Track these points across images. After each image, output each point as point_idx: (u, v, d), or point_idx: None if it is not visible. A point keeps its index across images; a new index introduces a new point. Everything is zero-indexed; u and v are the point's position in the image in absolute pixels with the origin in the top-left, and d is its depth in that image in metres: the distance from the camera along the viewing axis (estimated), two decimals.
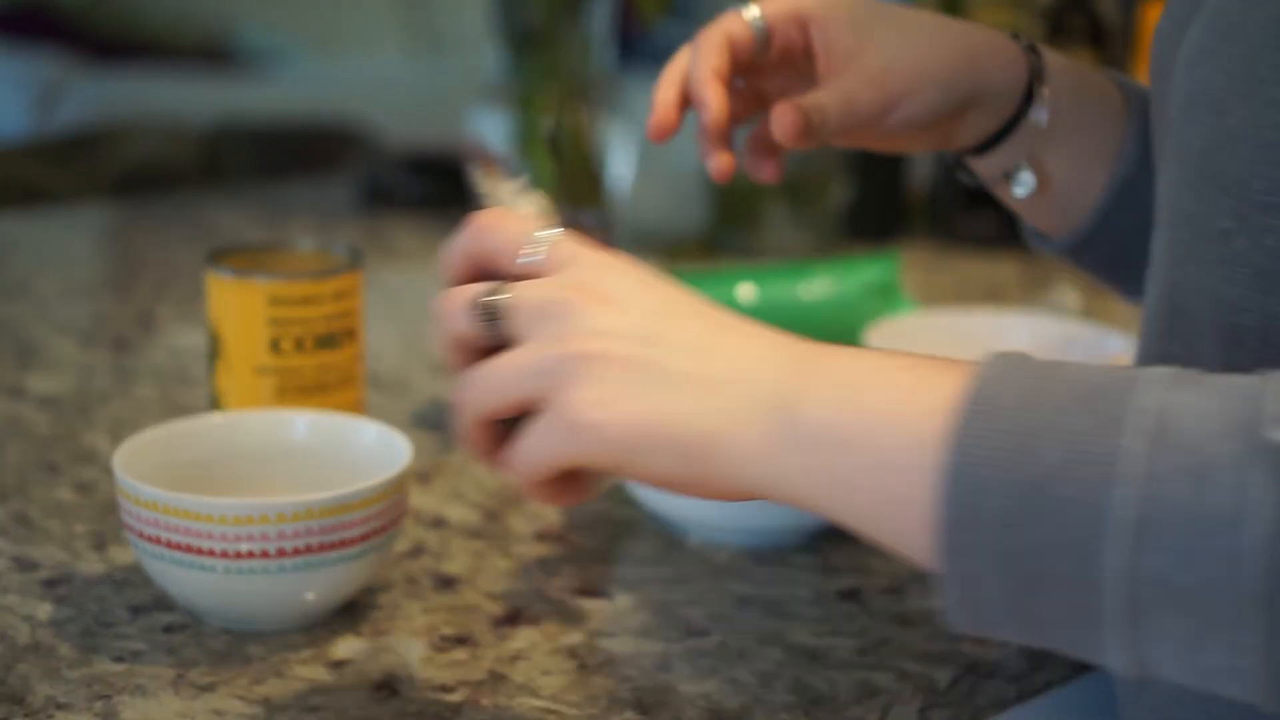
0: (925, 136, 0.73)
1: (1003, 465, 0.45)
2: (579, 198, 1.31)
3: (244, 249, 0.86)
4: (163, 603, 0.70)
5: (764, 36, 0.70)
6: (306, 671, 0.65)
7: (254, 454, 0.75)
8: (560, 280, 0.53)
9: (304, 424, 0.76)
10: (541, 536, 0.79)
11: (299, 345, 0.82)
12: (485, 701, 0.63)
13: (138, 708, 0.62)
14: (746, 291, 1.03)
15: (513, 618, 0.70)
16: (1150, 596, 0.43)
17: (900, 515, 0.48)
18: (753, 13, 0.70)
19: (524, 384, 0.52)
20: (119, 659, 0.66)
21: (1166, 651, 0.44)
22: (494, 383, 0.53)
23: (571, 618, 0.71)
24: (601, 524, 0.81)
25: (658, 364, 0.51)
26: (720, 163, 0.70)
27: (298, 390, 0.82)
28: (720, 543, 0.78)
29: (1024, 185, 0.73)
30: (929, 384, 0.48)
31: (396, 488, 0.68)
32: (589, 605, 0.72)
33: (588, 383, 0.51)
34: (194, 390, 0.99)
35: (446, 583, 0.74)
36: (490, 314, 0.54)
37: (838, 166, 1.34)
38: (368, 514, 0.67)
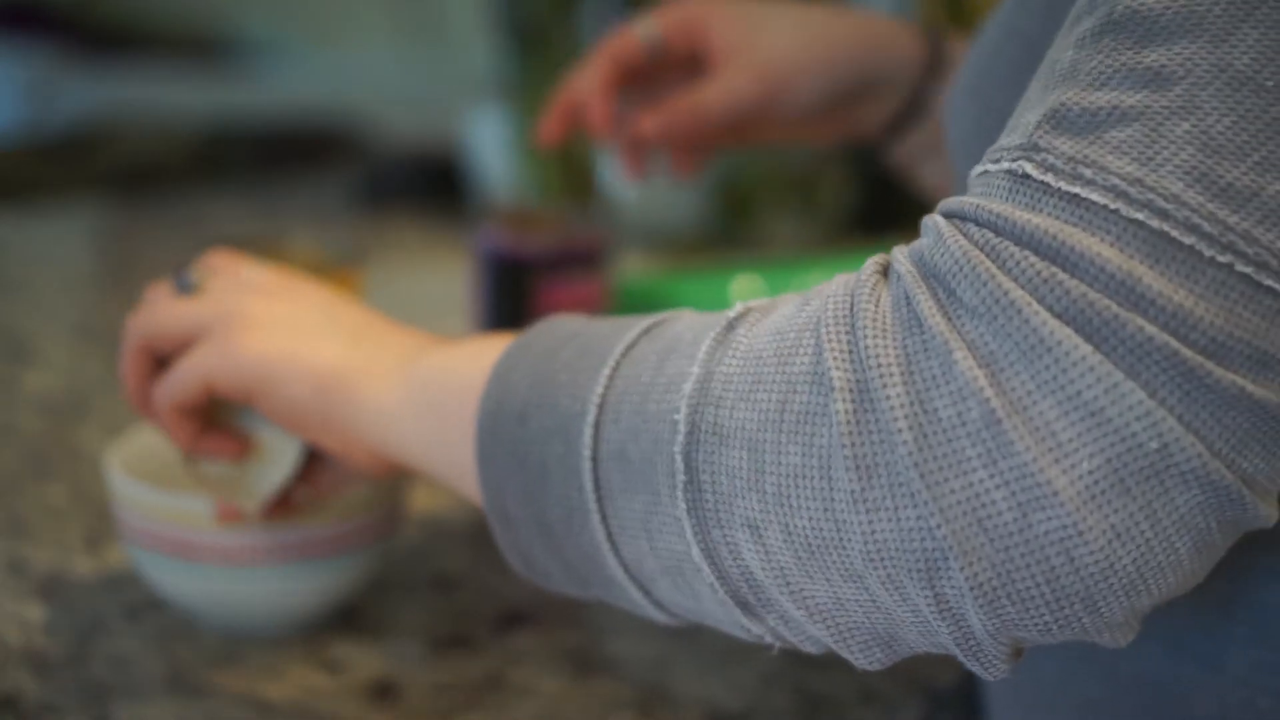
0: (827, 126, 0.75)
1: (527, 371, 0.50)
2: (577, 197, 1.30)
3: (239, 245, 0.85)
4: (157, 604, 0.70)
5: (658, 46, 0.74)
6: (303, 674, 0.65)
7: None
8: (236, 280, 0.61)
9: None
10: None
11: None
12: (483, 703, 0.63)
13: (132, 711, 0.61)
14: (749, 285, 1.02)
15: (511, 619, 0.70)
16: (609, 475, 0.46)
17: (464, 458, 0.52)
18: (645, 26, 0.74)
19: (186, 321, 0.59)
20: (113, 661, 0.65)
21: (640, 544, 0.46)
22: (162, 314, 0.60)
23: (571, 619, 0.70)
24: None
25: (314, 323, 0.58)
26: (627, 172, 0.78)
27: None
28: None
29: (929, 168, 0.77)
30: (496, 345, 0.53)
31: (395, 489, 0.68)
32: (588, 606, 0.72)
33: (247, 324, 0.58)
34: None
35: (445, 584, 0.73)
36: (185, 285, 0.61)
37: (839, 160, 1.34)
38: (365, 516, 0.66)
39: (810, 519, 0.41)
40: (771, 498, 0.42)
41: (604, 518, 0.47)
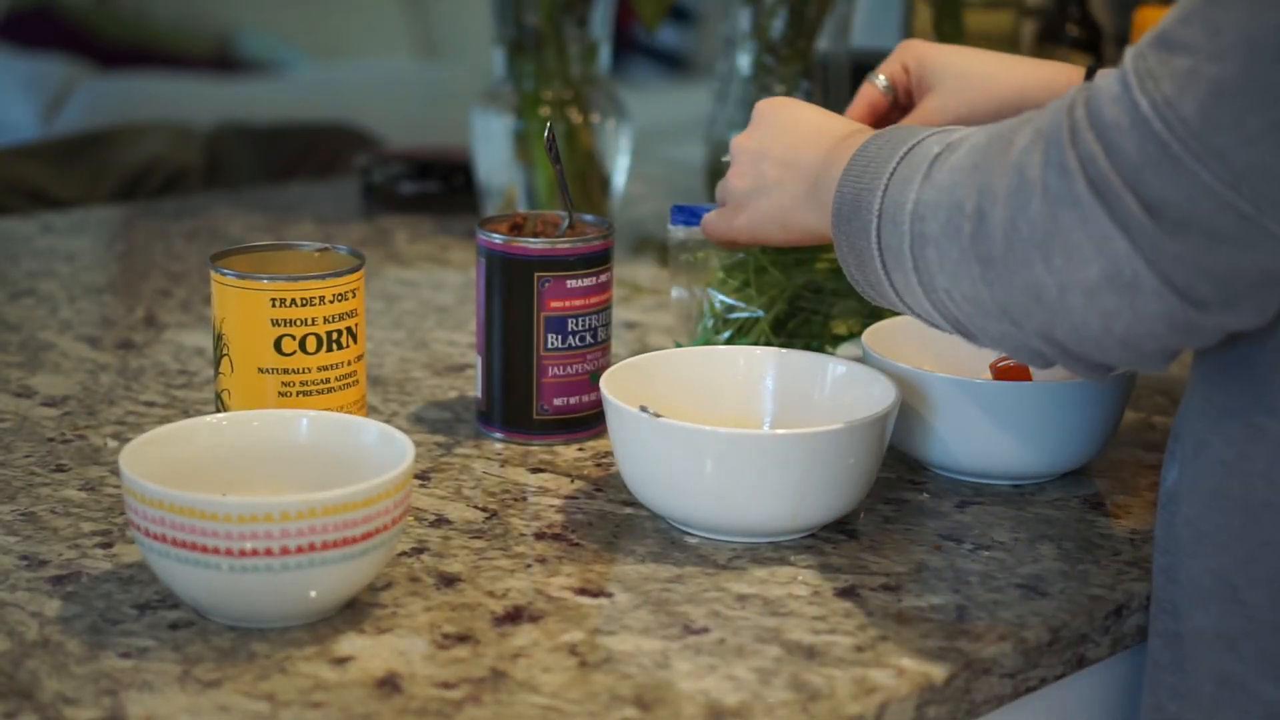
0: None
1: (854, 180, 0.75)
2: (579, 198, 1.31)
3: (248, 250, 0.87)
4: (169, 600, 0.71)
5: (892, 92, 0.94)
6: (310, 668, 0.66)
7: (257, 453, 0.75)
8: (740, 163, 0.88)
9: (307, 423, 0.76)
10: (542, 535, 0.80)
11: (302, 346, 0.82)
12: (486, 698, 0.64)
13: (144, 703, 0.62)
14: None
15: (513, 616, 0.71)
16: (888, 257, 0.72)
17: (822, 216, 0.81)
18: (878, 78, 0.94)
19: (719, 195, 0.90)
20: (126, 655, 0.66)
21: (930, 276, 0.70)
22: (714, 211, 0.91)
23: (572, 616, 0.71)
24: (601, 523, 0.82)
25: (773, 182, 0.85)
26: None
27: (300, 390, 0.83)
28: (720, 542, 0.79)
29: None
30: (850, 144, 0.78)
31: (398, 487, 0.69)
32: (589, 603, 0.73)
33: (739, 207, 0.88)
34: (198, 390, 1.00)
35: (448, 581, 0.74)
36: None
37: None
38: (370, 513, 0.67)
39: (970, 287, 0.68)
40: (949, 276, 0.68)
41: (894, 267, 0.73)
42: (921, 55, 0.92)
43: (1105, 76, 0.63)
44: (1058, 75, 0.89)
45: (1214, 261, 0.60)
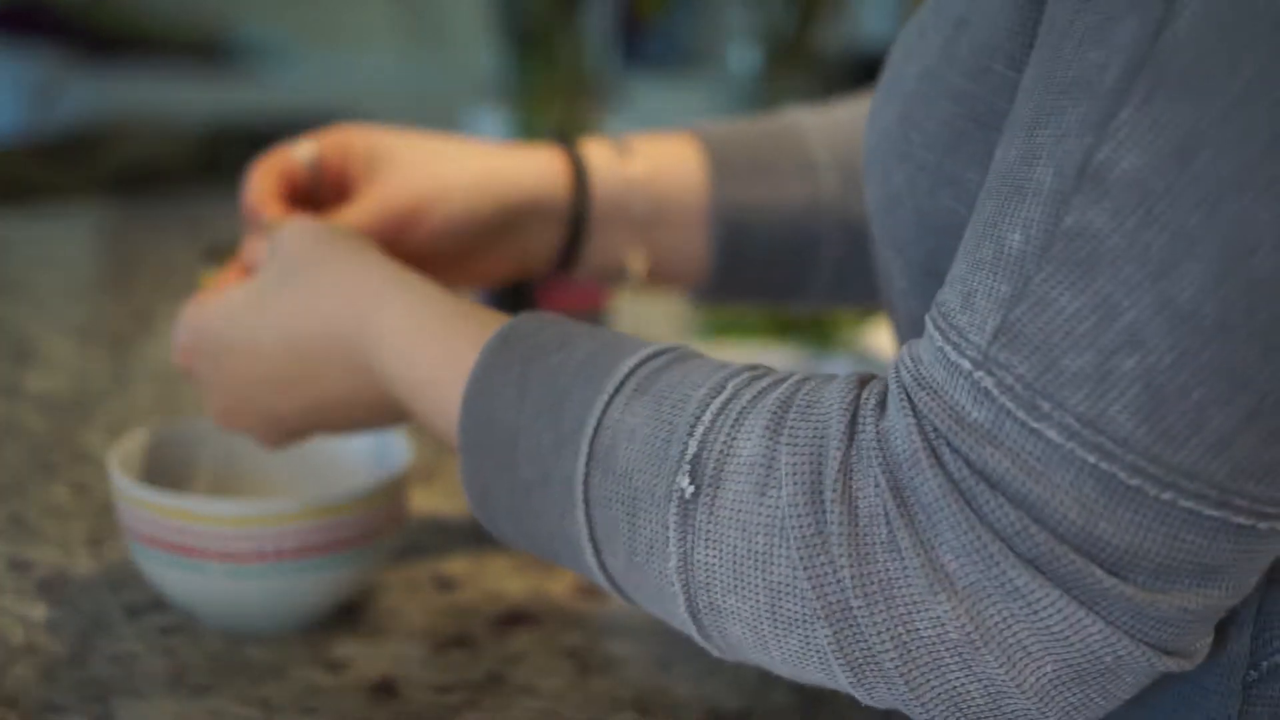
0: (493, 262, 0.73)
1: (498, 469, 0.53)
2: None
3: (240, 247, 0.86)
4: (159, 604, 0.70)
5: (316, 166, 0.72)
6: (304, 673, 0.65)
7: (251, 454, 0.74)
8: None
9: None
10: None
11: None
12: (484, 703, 0.63)
13: (134, 710, 0.61)
14: None
15: (512, 619, 0.70)
16: (625, 585, 0.51)
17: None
18: (304, 148, 0.72)
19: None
20: (115, 661, 0.65)
21: (734, 648, 0.50)
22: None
23: (571, 618, 0.70)
24: None
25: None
26: None
27: None
28: None
29: (631, 280, 0.75)
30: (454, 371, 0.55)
31: (396, 489, 0.68)
32: (588, 606, 0.72)
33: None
34: (190, 390, 0.99)
35: (446, 583, 0.74)
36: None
37: None
38: (367, 515, 0.66)
39: (815, 678, 0.48)
40: (779, 660, 0.48)
41: (599, 557, 0.51)
42: (367, 137, 0.73)
43: (914, 395, 0.45)
44: (531, 166, 0.72)
45: (1210, 594, 0.44)
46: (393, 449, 0.71)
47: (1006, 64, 0.48)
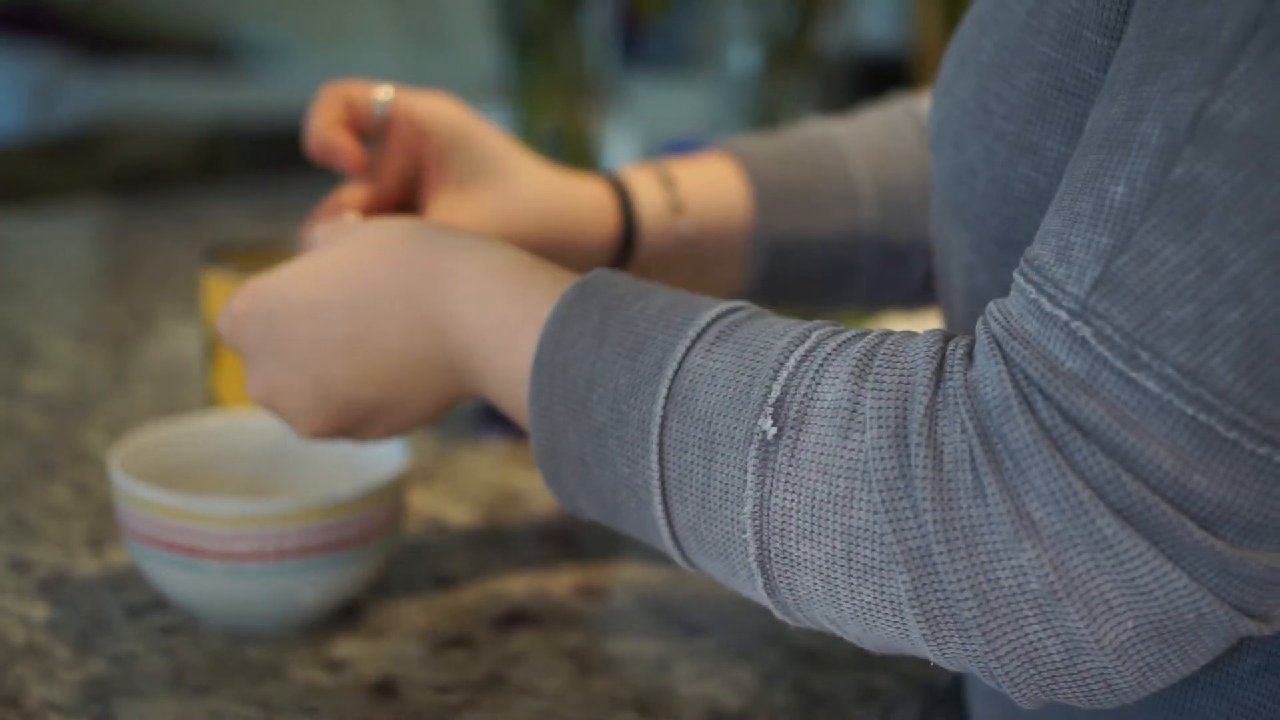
0: None
1: (570, 414, 0.52)
2: None
3: (241, 247, 0.86)
4: (159, 604, 0.70)
5: (382, 118, 0.70)
6: (304, 673, 0.65)
7: (251, 454, 0.74)
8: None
9: None
10: (541, 537, 0.79)
11: None
12: (484, 703, 0.63)
13: (134, 710, 0.61)
14: None
15: (512, 618, 0.70)
16: (688, 540, 0.50)
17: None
18: (381, 92, 0.70)
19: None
20: (115, 660, 0.65)
21: (802, 605, 0.49)
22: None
23: (571, 618, 0.70)
24: (601, 524, 0.81)
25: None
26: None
27: None
28: None
29: None
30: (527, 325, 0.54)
31: (396, 488, 0.68)
32: (588, 606, 0.72)
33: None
34: (190, 389, 0.99)
35: (446, 583, 0.74)
36: None
37: None
38: (367, 515, 0.66)
39: (885, 635, 0.46)
40: (849, 613, 0.46)
41: (683, 559, 0.51)
42: (451, 122, 0.70)
43: (1006, 345, 0.44)
44: (585, 199, 0.71)
45: None
46: (393, 449, 0.71)
47: (1099, 30, 0.48)
